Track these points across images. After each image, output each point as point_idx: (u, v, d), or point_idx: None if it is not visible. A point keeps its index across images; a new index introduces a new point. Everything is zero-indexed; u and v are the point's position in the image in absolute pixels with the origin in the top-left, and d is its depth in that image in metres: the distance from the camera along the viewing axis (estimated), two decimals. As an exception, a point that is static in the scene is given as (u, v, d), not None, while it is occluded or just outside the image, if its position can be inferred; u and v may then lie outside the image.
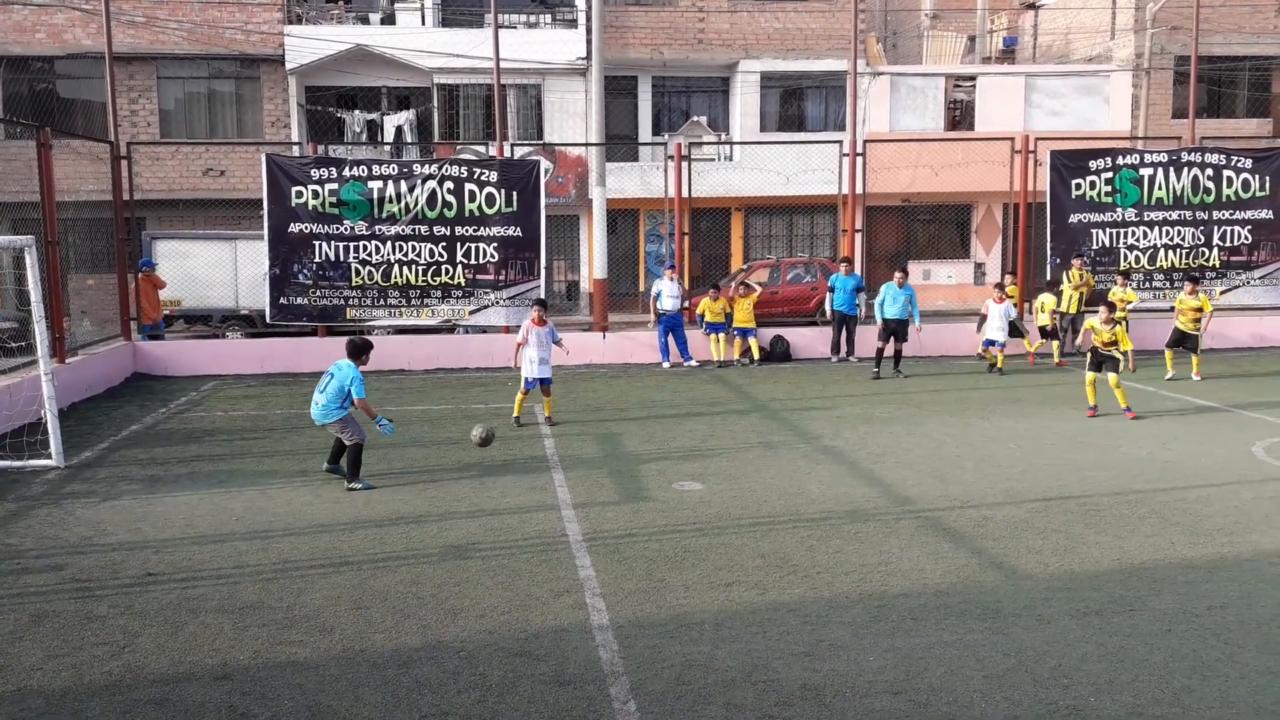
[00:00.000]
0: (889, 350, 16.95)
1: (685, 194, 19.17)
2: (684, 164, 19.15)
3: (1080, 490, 9.65)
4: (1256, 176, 19.75)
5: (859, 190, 19.63)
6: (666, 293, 18.48)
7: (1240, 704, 5.33)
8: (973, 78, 29.53)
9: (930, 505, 9.21)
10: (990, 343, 17.35)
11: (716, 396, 15.45)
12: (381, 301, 18.34)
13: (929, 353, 19.31)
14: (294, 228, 18.06)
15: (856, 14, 20.74)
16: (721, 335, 18.72)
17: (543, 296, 17.63)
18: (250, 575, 7.54)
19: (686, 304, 19.37)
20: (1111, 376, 13.12)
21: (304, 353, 18.38)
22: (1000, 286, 17.87)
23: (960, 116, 29.54)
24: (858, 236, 19.80)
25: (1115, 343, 13.16)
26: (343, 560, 7.86)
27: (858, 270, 19.22)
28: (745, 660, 5.93)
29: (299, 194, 18.01)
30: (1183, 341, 16.35)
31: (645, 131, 29.08)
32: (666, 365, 18.47)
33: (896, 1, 36.18)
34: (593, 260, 20.89)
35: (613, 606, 6.78)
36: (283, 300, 18.20)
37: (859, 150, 19.63)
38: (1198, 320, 16.18)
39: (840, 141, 20.28)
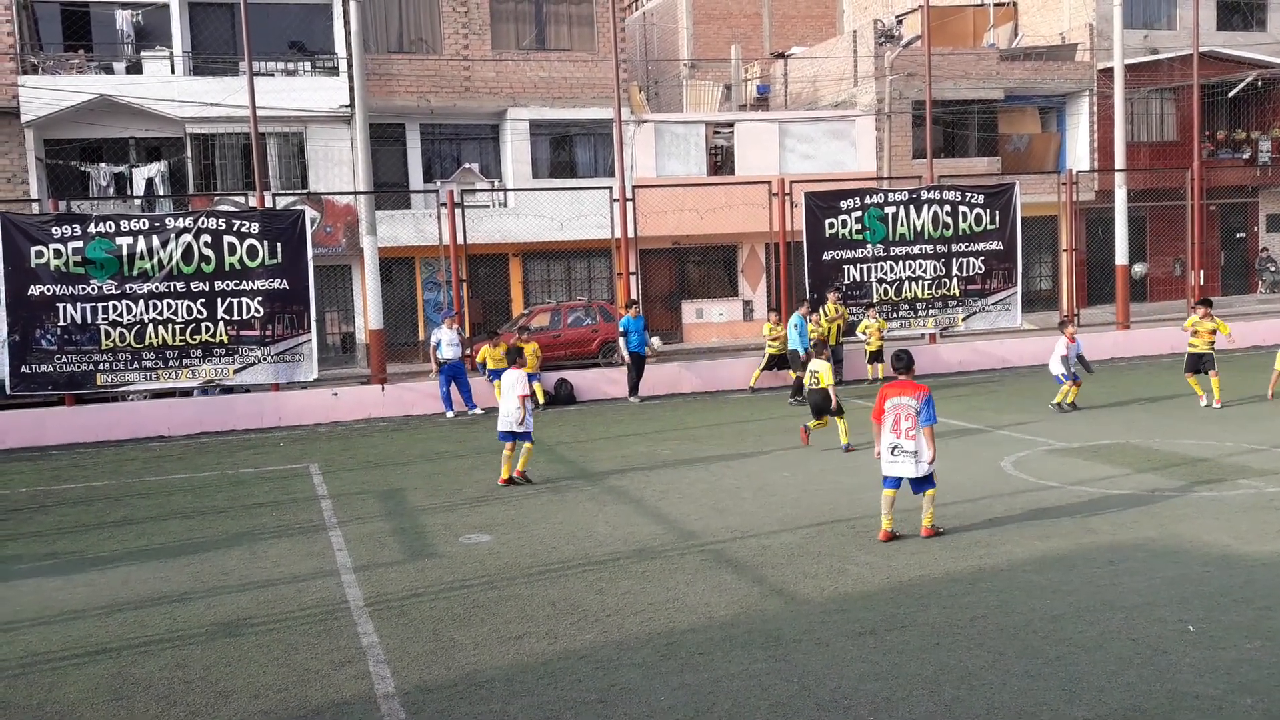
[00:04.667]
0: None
1: (461, 241, 19.03)
2: (458, 211, 19.03)
3: (851, 513, 10.11)
4: (988, 211, 21.51)
5: (631, 234, 20.06)
6: (447, 341, 18.22)
7: (1005, 709, 5.68)
8: (731, 124, 30.84)
9: (713, 538, 9.42)
10: (1067, 378, 15.80)
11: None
12: (136, 364, 17.22)
13: (706, 388, 19.87)
14: (34, 290, 16.75)
15: (618, 64, 21.31)
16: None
17: (311, 350, 17.03)
18: (-10, 676, 6.83)
19: (468, 351, 19.17)
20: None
21: (49, 425, 16.99)
22: (1062, 325, 17.19)
23: (721, 161, 30.75)
24: (633, 279, 20.20)
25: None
26: (100, 648, 7.24)
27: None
28: (537, 714, 5.84)
29: (39, 254, 16.72)
30: (1198, 365, 15.88)
31: (416, 179, 28.73)
32: (450, 415, 18.18)
33: (656, 51, 37.43)
34: (367, 311, 20.36)
35: (398, 673, 6.55)
36: (24, 369, 16.80)
37: (628, 195, 20.09)
38: (1213, 342, 15.91)
39: (610, 187, 20.70)
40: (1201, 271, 23.49)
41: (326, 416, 18.19)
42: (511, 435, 12.00)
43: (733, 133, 30.56)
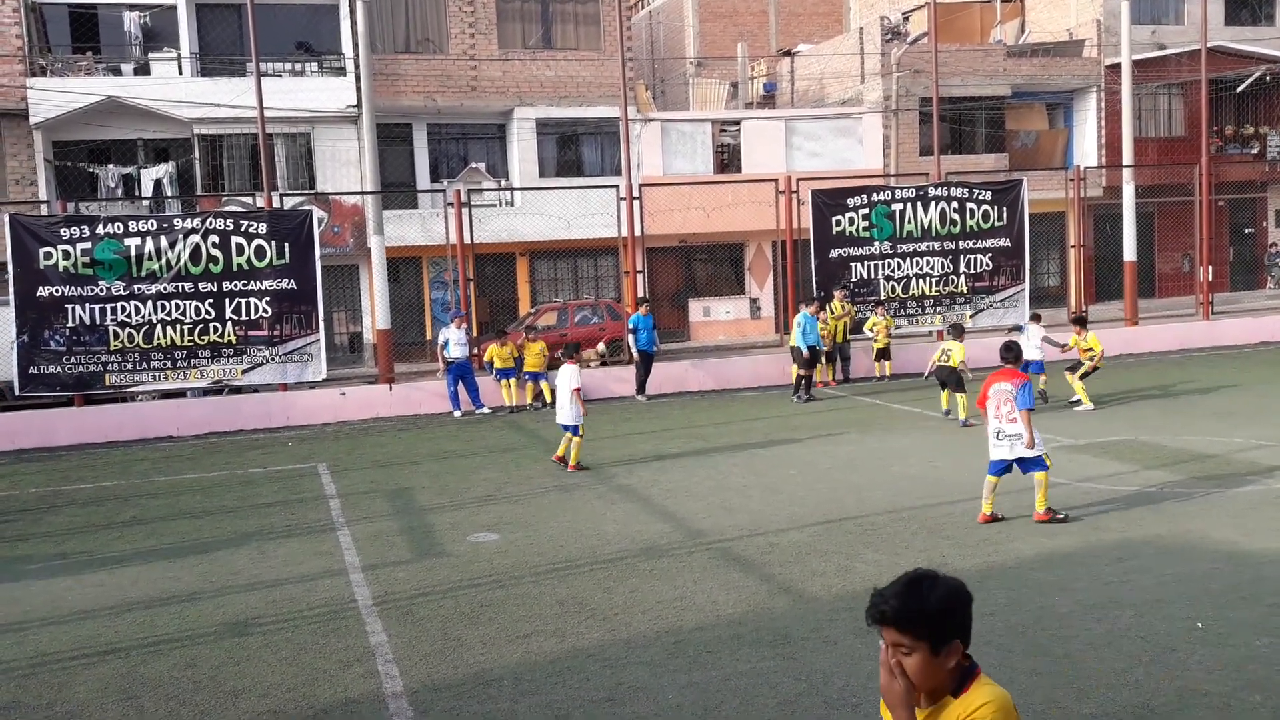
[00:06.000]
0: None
1: (468, 240, 19.04)
2: (465, 210, 19.04)
3: (858, 511, 10.10)
4: (995, 208, 21.45)
5: (638, 232, 20.06)
6: (454, 340, 18.25)
7: (1010, 704, 5.66)
8: (737, 122, 30.81)
9: (721, 536, 9.43)
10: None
11: (510, 443, 15.34)
12: (145, 365, 17.27)
13: (713, 386, 19.86)
14: (43, 291, 16.81)
15: (625, 63, 21.31)
16: (512, 380, 18.64)
17: (319, 350, 17.05)
18: (3, 673, 6.86)
19: (475, 350, 19.18)
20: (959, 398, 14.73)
21: (60, 425, 17.05)
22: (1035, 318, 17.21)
23: (728, 159, 30.73)
24: (640, 277, 20.19)
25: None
26: (109, 648, 7.28)
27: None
28: (546, 712, 5.86)
29: (48, 255, 16.78)
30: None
31: (424, 178, 28.75)
32: (458, 414, 18.20)
33: (663, 49, 37.43)
34: (375, 310, 20.40)
35: (407, 672, 6.57)
36: (33, 370, 16.85)
37: (635, 194, 20.09)
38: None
39: (617, 186, 20.70)
40: (1210, 267, 23.41)
41: (334, 416, 18.23)
42: (567, 427, 12.78)
43: (739, 131, 30.53)
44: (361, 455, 14.84)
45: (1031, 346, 15.66)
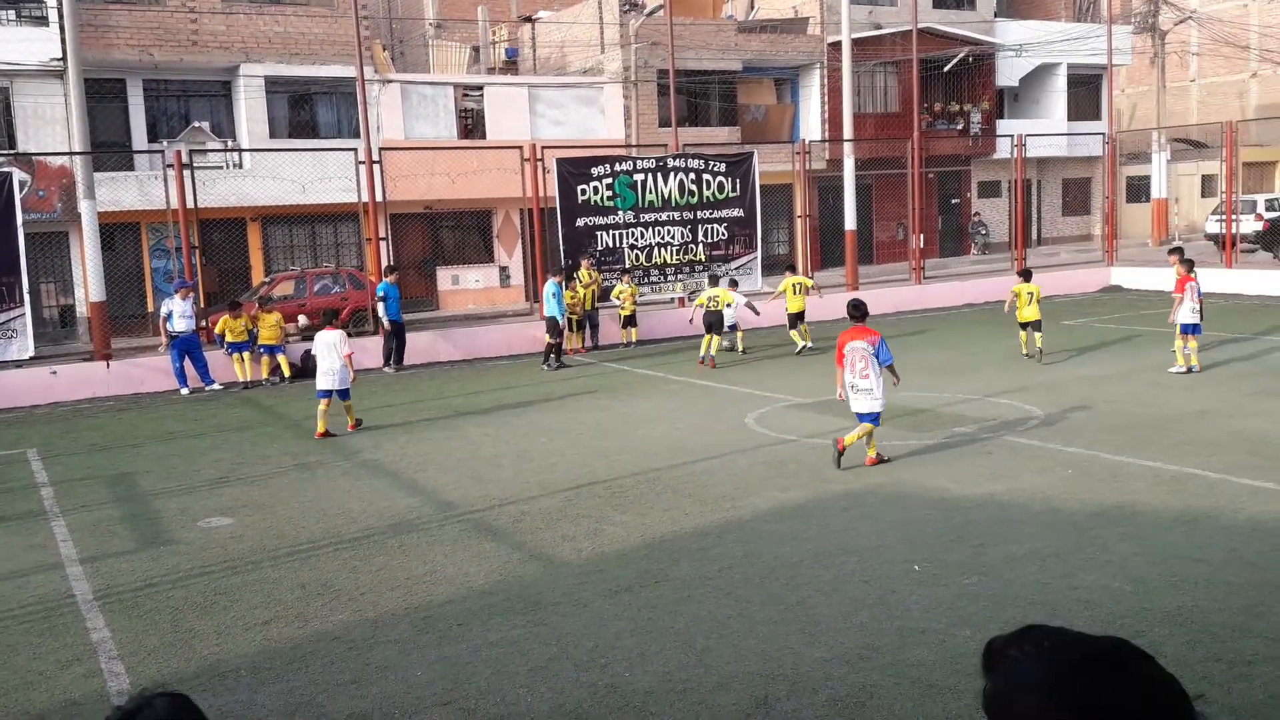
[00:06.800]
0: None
1: (191, 205, 17.85)
2: (186, 172, 17.82)
3: (607, 474, 10.30)
4: (729, 179, 22.31)
5: (379, 198, 19.47)
6: (179, 313, 17.09)
7: (751, 654, 5.97)
8: (480, 87, 30.41)
9: (471, 507, 9.37)
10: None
11: (245, 420, 14.59)
12: None
13: (463, 356, 19.65)
14: None
15: (359, 20, 20.52)
16: (246, 354, 17.70)
17: (25, 325, 15.54)
18: None
19: (204, 323, 18.07)
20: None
21: None
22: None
23: (472, 125, 30.30)
24: (383, 245, 19.61)
25: None
26: None
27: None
28: (287, 700, 5.64)
29: None
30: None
31: (140, 139, 26.65)
32: (185, 391, 17.11)
33: (400, 10, 36.32)
34: (87, 281, 18.80)
35: (133, 669, 6.15)
36: None
37: (375, 158, 19.46)
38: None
39: (355, 149, 19.98)
40: (922, 235, 25.32)
41: (45, 397, 16.71)
42: (329, 393, 12.78)
43: (483, 96, 30.15)
44: (77, 439, 13.70)
45: (732, 311, 17.66)
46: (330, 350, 12.82)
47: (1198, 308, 14.27)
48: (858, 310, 10.29)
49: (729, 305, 17.42)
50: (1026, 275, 16.35)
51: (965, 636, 6.05)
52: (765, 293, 23.66)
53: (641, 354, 19.38)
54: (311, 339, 18.98)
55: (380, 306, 18.68)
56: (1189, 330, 14.26)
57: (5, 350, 16.57)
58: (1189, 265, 14.65)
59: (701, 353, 17.04)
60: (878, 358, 9.85)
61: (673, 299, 22.01)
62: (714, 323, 17.04)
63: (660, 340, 20.54)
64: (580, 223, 20.81)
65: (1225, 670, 5.45)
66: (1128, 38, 38.97)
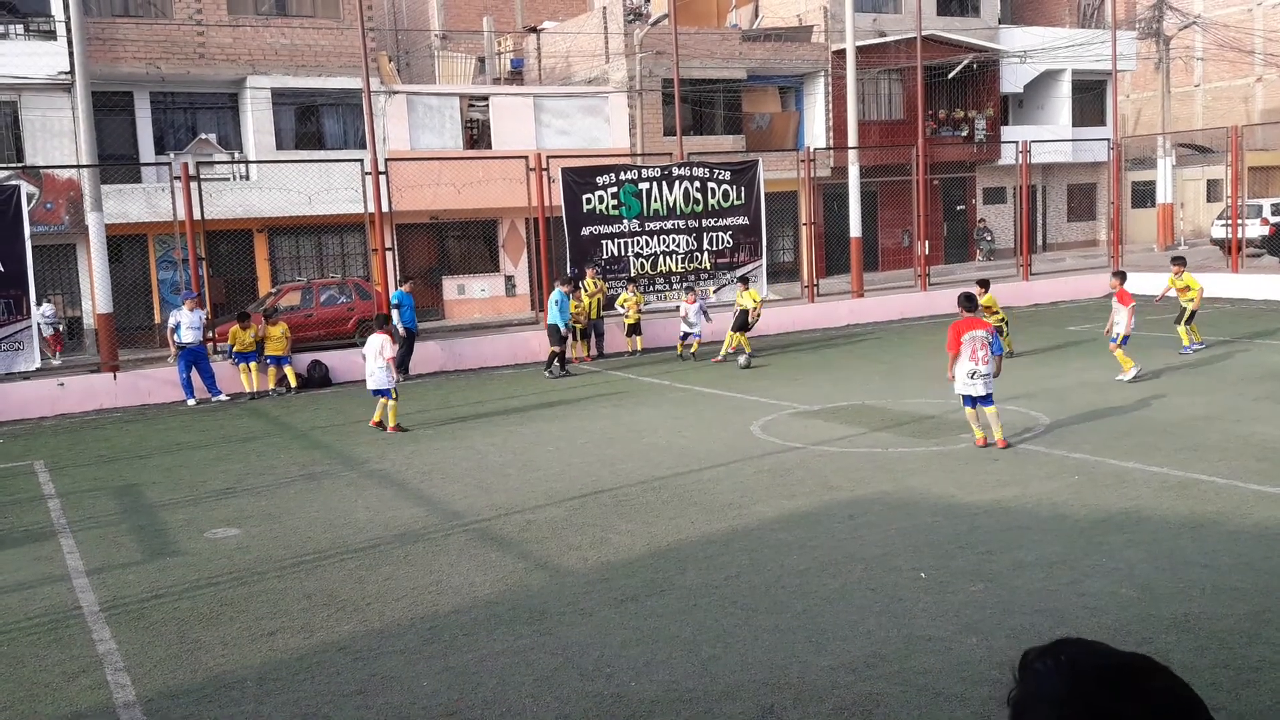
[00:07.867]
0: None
1: (198, 216, 17.92)
2: (193, 184, 17.90)
3: (613, 483, 10.30)
4: (734, 187, 22.32)
5: (385, 208, 19.52)
6: (186, 324, 17.15)
7: (757, 664, 5.96)
8: (486, 98, 30.49)
9: (477, 517, 9.37)
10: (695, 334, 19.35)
11: (252, 431, 14.62)
12: None
13: (470, 365, 19.67)
14: None
15: (365, 32, 20.62)
16: (253, 364, 17.74)
17: (36, 336, 15.61)
18: None
19: (211, 334, 18.12)
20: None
21: None
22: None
23: (478, 135, 30.37)
24: (389, 255, 19.67)
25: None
26: None
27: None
28: (293, 711, 5.64)
29: None
30: (1190, 318, 16.67)
31: (148, 151, 26.76)
32: (192, 403, 17.15)
33: (406, 21, 36.46)
34: (95, 293, 18.86)
35: (139, 680, 6.15)
36: None
37: (381, 169, 19.52)
38: (1190, 298, 16.67)
39: (361, 160, 20.04)
40: (927, 242, 25.30)
41: (52, 409, 16.77)
42: (379, 392, 13.68)
43: (488, 106, 30.23)
44: (84, 451, 13.74)
45: (695, 311, 19.05)
46: (374, 354, 13.65)
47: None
48: (970, 302, 11.02)
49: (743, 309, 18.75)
50: (985, 285, 16.39)
51: (972, 644, 6.03)
52: (772, 299, 23.67)
53: (647, 361, 19.39)
54: (315, 349, 19.07)
55: (395, 314, 18.73)
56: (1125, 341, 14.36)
57: (12, 362, 16.64)
58: (1122, 277, 14.91)
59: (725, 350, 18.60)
60: (991, 347, 10.60)
61: (677, 307, 21.98)
62: (743, 323, 18.59)
63: (665, 349, 20.55)
64: (586, 232, 20.84)
65: (1233, 677, 5.42)
66: (1132, 43, 38.97)
